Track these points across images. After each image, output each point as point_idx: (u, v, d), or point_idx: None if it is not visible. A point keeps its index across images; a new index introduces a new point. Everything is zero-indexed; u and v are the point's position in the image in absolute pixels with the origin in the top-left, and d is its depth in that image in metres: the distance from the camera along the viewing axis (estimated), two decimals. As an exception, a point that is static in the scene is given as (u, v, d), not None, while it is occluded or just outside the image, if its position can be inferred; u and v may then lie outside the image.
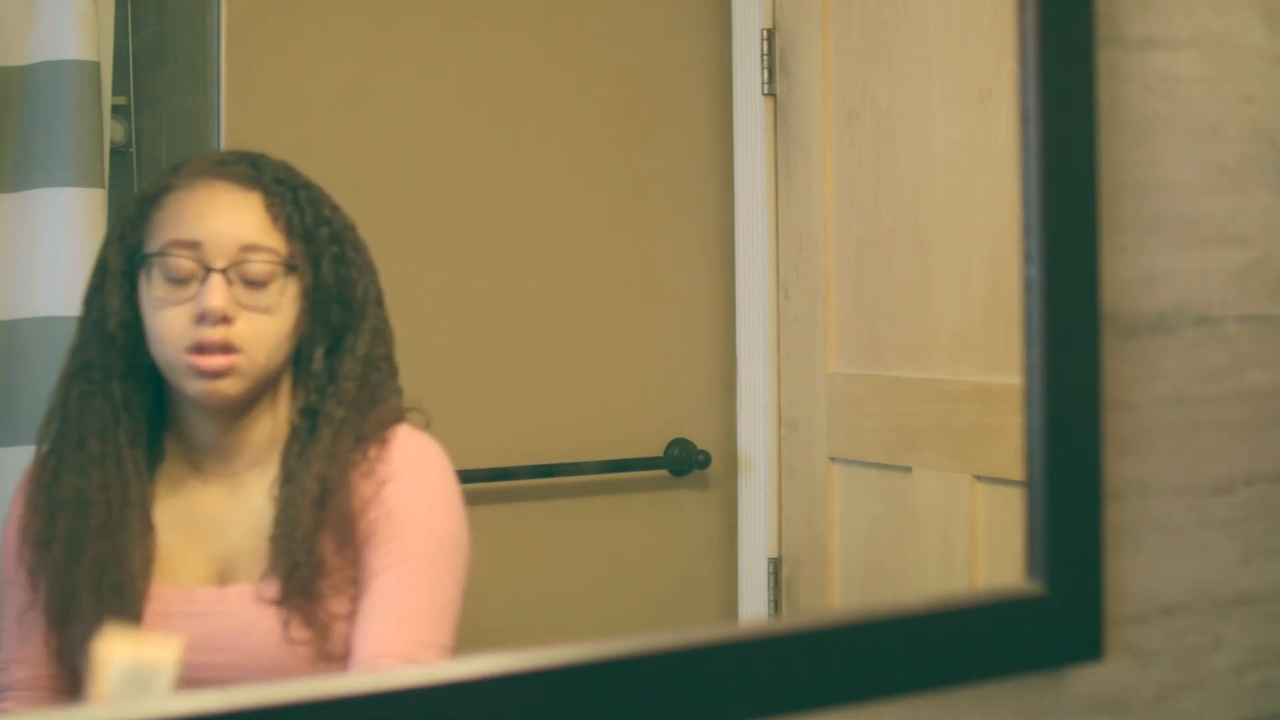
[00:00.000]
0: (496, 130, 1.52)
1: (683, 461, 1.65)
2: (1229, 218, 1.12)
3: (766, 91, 1.67)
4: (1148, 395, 1.08)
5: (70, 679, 1.14)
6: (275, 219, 1.17)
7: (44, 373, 1.31)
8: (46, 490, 1.16)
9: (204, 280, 1.14)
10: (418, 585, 1.16)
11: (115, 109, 1.37)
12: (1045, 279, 1.00)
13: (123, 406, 1.16)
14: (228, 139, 1.36)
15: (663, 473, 1.64)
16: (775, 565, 1.67)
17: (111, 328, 1.16)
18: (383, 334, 1.21)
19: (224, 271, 1.14)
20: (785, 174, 1.65)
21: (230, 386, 1.15)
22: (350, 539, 1.16)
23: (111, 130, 1.36)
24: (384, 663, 1.12)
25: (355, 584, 1.16)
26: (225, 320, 1.14)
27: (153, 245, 1.15)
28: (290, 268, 1.17)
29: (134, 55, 1.39)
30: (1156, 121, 1.09)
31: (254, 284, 1.15)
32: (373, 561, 1.16)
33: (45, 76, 1.32)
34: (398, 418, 1.20)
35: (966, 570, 1.46)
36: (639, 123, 1.63)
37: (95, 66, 1.33)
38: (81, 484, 1.14)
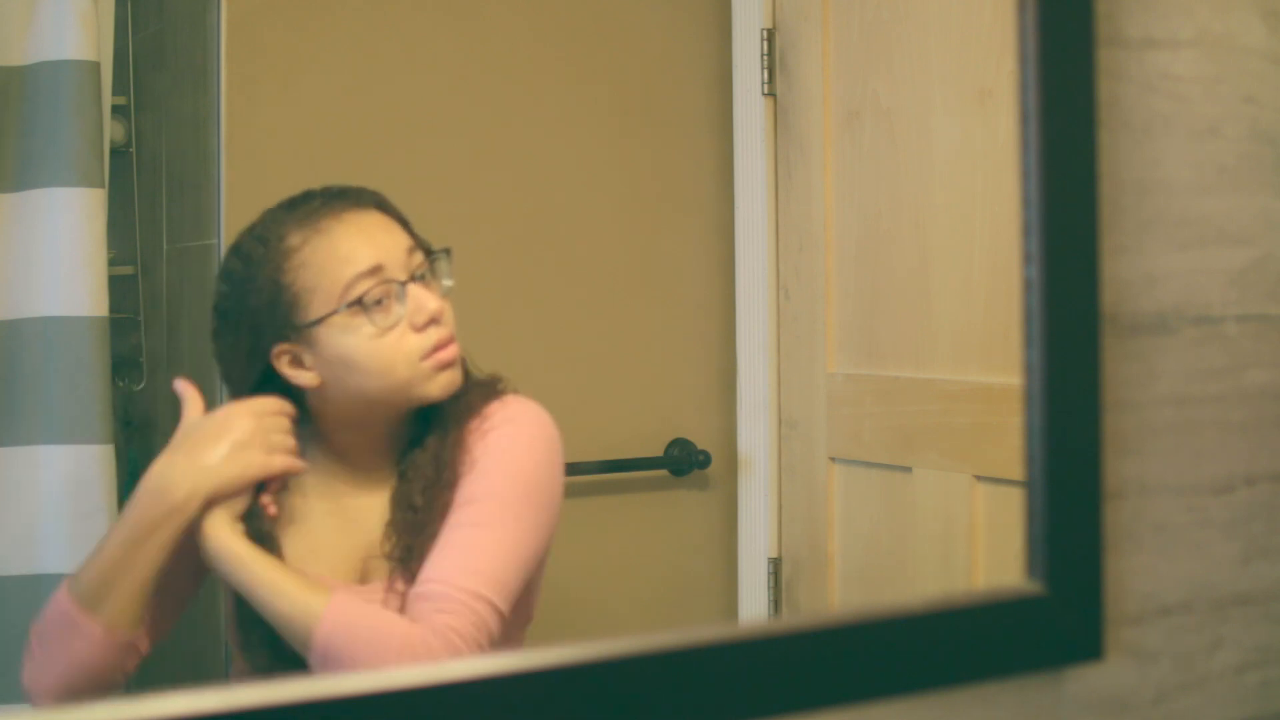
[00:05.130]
0: (496, 130, 1.52)
1: (683, 461, 1.65)
2: (1229, 218, 1.12)
3: (766, 91, 1.67)
4: (1148, 395, 1.08)
5: None
6: (399, 222, 1.20)
7: (44, 373, 1.31)
8: None
9: (400, 297, 1.15)
10: (484, 523, 1.17)
11: (115, 109, 1.37)
12: (1045, 279, 1.00)
13: None
14: (228, 139, 1.36)
15: (663, 473, 1.64)
16: (775, 565, 1.67)
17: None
18: None
19: (412, 279, 1.17)
20: (785, 174, 1.65)
21: (460, 373, 1.19)
22: (450, 493, 1.18)
23: (111, 130, 1.36)
24: (429, 588, 1.13)
25: None
26: (442, 316, 1.18)
27: (340, 295, 1.14)
28: (448, 251, 1.20)
29: (134, 55, 1.39)
30: (1156, 121, 1.08)
31: (424, 279, 1.19)
32: (455, 501, 1.17)
33: (45, 76, 1.32)
34: (506, 387, 1.23)
35: (966, 570, 1.46)
36: (639, 123, 1.63)
37: (95, 66, 1.33)
38: None
